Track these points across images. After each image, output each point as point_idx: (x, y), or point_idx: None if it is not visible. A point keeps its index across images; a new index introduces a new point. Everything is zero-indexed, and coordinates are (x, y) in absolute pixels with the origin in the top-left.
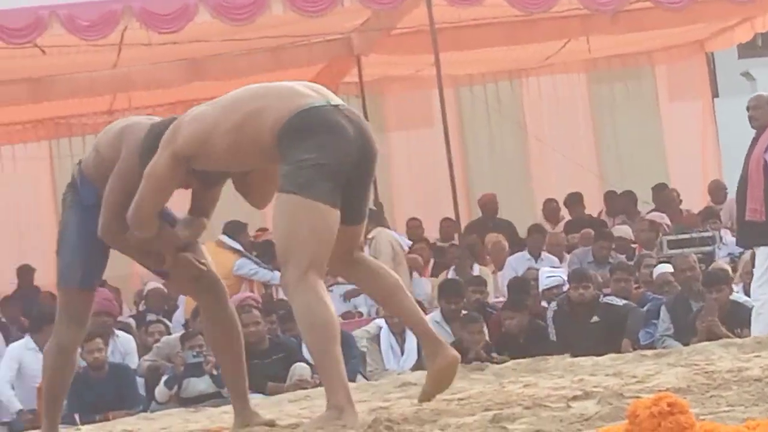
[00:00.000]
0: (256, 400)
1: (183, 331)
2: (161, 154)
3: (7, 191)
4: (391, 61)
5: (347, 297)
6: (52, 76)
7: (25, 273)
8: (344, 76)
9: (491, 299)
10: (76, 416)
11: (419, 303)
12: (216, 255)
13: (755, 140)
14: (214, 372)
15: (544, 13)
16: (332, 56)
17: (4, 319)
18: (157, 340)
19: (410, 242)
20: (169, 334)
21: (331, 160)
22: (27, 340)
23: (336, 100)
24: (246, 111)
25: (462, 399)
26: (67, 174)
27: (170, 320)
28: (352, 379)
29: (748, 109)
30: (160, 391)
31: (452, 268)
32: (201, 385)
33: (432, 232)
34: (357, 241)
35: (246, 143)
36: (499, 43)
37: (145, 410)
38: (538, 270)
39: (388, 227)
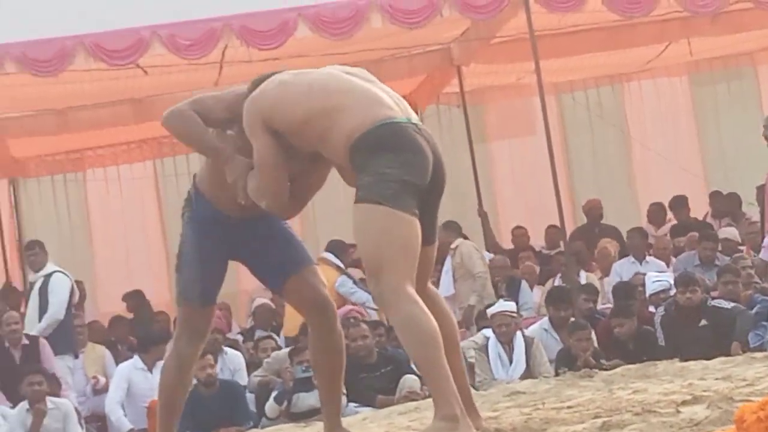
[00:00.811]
0: (365, 413)
1: (292, 346)
2: (255, 139)
3: (113, 212)
4: (492, 70)
5: None
6: (154, 96)
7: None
8: (445, 87)
9: (599, 305)
10: None
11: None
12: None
13: None
14: None
15: (644, 16)
16: (432, 67)
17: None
18: (268, 356)
19: (491, 255)
20: (279, 349)
21: (414, 179)
22: (135, 360)
23: (415, 118)
24: (327, 105)
25: (571, 407)
26: (172, 193)
27: (278, 335)
28: None
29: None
30: (270, 406)
31: (559, 275)
32: (311, 399)
33: (537, 240)
34: (430, 265)
35: (315, 132)
36: (600, 49)
37: (255, 426)
38: (644, 275)
39: (467, 238)
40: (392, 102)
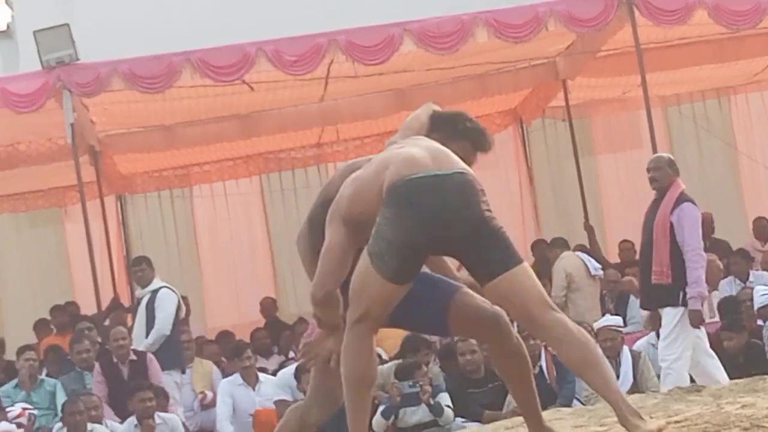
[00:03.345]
0: (472, 428)
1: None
2: (331, 228)
3: (220, 227)
4: (598, 84)
5: None
6: (260, 112)
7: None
8: (550, 101)
9: (707, 320)
10: None
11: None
12: None
13: (656, 202)
14: (431, 402)
15: (751, 29)
16: (538, 81)
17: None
18: None
19: (599, 265)
20: (383, 363)
21: (397, 238)
22: (235, 377)
23: (448, 169)
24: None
25: (679, 421)
26: (278, 208)
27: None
28: (569, 404)
29: (648, 170)
30: (377, 421)
31: None
32: (418, 414)
33: None
34: (507, 300)
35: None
36: (706, 61)
37: None
38: (752, 289)
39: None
40: (427, 160)
